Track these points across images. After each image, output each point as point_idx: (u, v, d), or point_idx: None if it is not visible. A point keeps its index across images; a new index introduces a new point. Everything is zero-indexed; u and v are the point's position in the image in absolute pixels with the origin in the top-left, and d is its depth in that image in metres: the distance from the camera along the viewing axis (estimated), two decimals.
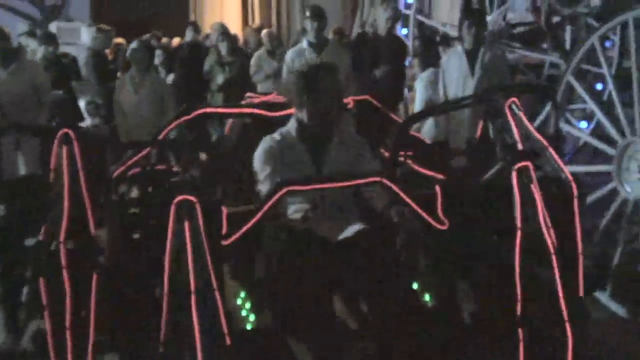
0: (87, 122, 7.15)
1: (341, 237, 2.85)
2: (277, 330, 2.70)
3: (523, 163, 2.63)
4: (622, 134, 4.50)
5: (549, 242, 2.57)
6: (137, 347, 2.70)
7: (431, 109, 4.82)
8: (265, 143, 3.08)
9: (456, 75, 5.26)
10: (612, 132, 4.58)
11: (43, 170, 5.31)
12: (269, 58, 8.00)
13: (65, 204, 2.62)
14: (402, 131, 3.42)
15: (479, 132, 3.55)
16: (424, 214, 2.68)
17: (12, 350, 3.24)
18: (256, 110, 3.53)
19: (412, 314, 2.71)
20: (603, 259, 4.18)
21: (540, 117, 5.11)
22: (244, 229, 2.54)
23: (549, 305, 2.58)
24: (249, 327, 2.74)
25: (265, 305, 2.78)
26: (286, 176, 2.82)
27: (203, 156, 3.80)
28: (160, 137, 3.39)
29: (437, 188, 2.81)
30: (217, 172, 3.45)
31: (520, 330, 2.58)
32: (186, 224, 2.38)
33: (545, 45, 6.94)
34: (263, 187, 2.92)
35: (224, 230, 2.54)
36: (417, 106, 5.92)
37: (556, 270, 2.55)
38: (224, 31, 8.00)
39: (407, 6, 9.18)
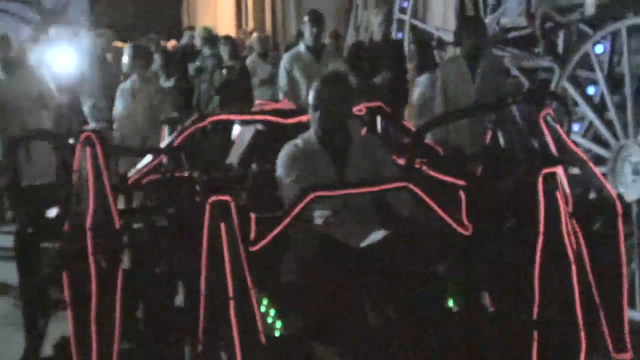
0: (91, 125, 7.28)
1: (365, 243, 2.84)
2: (306, 336, 2.68)
3: (550, 169, 2.62)
4: (616, 136, 4.69)
5: (569, 250, 2.57)
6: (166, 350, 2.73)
7: (448, 115, 4.87)
8: (288, 149, 3.12)
9: (456, 81, 5.37)
10: (606, 134, 4.76)
11: (57, 176, 5.46)
12: (261, 62, 8.12)
13: (91, 198, 2.60)
14: (418, 138, 3.46)
15: (487, 139, 3.64)
16: (449, 219, 2.70)
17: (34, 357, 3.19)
18: (269, 117, 3.57)
19: (437, 319, 2.72)
20: None
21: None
22: (272, 234, 2.53)
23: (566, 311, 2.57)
24: (277, 334, 2.70)
25: (292, 312, 2.75)
26: (309, 182, 2.84)
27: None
28: (175, 143, 3.38)
29: (461, 193, 2.80)
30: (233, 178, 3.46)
31: (535, 333, 2.58)
32: (222, 225, 2.38)
33: (537, 50, 7.12)
34: (288, 193, 2.92)
35: (252, 236, 2.52)
36: (415, 110, 6.07)
37: (575, 278, 2.56)
38: (207, 36, 8.05)
39: (402, 10, 9.32)
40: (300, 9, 11.84)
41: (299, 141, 3.15)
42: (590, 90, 5.92)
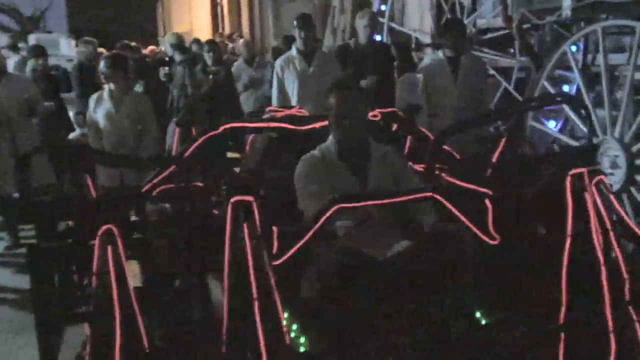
0: (77, 132, 7.32)
1: (389, 254, 2.77)
2: (331, 352, 2.60)
3: (578, 170, 2.57)
4: (594, 132, 4.92)
5: (598, 251, 2.51)
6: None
7: (467, 121, 4.73)
8: (306, 160, 3.05)
9: (439, 82, 5.44)
10: (584, 130, 4.99)
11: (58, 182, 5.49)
12: (247, 67, 8.09)
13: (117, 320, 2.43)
14: (437, 144, 3.39)
15: (501, 146, 3.52)
16: (475, 230, 2.62)
17: None
18: (284, 125, 3.48)
19: (463, 331, 2.66)
20: None
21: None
22: (295, 247, 2.47)
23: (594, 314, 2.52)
24: (302, 349, 2.59)
25: (314, 326, 2.66)
26: (329, 192, 2.76)
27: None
28: (187, 154, 3.29)
29: (488, 203, 2.73)
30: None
31: (562, 336, 2.54)
32: (245, 225, 2.36)
33: (512, 50, 7.36)
34: (308, 205, 2.85)
35: (274, 250, 2.45)
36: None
37: (604, 280, 2.49)
38: (176, 42, 7.93)
39: (380, 13, 9.52)
40: (277, 13, 11.99)
41: (317, 152, 3.10)
42: (565, 88, 6.19)
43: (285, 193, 3.05)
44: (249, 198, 2.40)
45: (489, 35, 7.47)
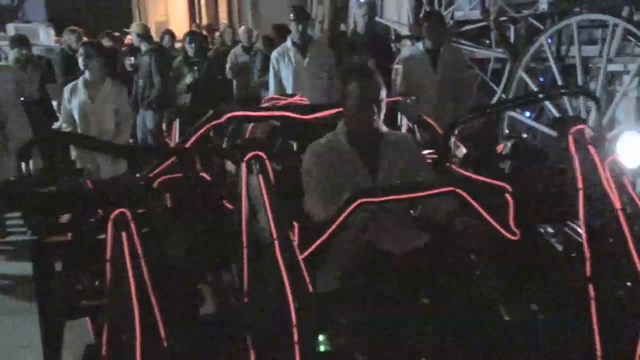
0: (60, 122, 7.33)
1: (407, 249, 2.70)
2: (351, 349, 2.55)
3: (579, 126, 2.55)
4: None
5: (615, 202, 2.48)
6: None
7: (477, 110, 4.67)
8: (313, 149, 2.96)
9: (419, 73, 5.54)
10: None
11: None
12: (244, 54, 8.17)
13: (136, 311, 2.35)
14: (448, 136, 3.35)
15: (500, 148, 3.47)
16: (496, 225, 2.57)
17: None
18: (288, 114, 3.41)
19: (486, 326, 2.60)
20: None
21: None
22: (317, 242, 2.43)
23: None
24: (322, 348, 2.52)
25: (334, 324, 2.58)
26: (340, 183, 2.74)
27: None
28: (188, 144, 3.23)
29: (508, 198, 2.66)
30: None
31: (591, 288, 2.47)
32: (260, 178, 2.38)
33: (489, 42, 7.58)
34: (315, 196, 2.82)
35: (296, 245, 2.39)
36: None
37: (626, 229, 2.44)
38: (143, 32, 7.87)
39: (359, 5, 9.70)
40: (255, 3, 12.04)
41: (324, 140, 2.99)
42: (540, 79, 6.43)
43: (287, 181, 2.97)
44: (262, 153, 2.43)
45: (466, 27, 7.67)
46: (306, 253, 2.39)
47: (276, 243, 2.25)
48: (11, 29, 10.35)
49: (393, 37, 8.79)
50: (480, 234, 2.63)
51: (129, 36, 10.73)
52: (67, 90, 5.57)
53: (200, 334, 2.70)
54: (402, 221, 2.85)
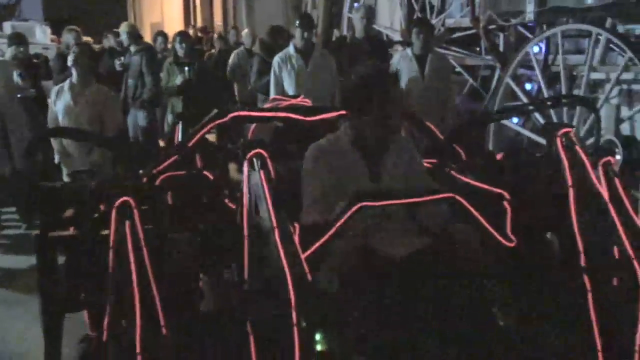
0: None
1: (406, 253, 2.72)
2: (349, 351, 2.57)
3: (566, 130, 2.69)
4: None
5: (605, 195, 2.58)
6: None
7: (479, 117, 4.94)
8: (313, 150, 2.97)
9: (407, 77, 5.70)
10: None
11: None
12: (248, 57, 8.10)
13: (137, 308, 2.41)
14: (450, 142, 3.42)
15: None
16: (493, 232, 2.63)
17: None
18: (292, 115, 3.43)
19: (486, 332, 2.64)
20: None
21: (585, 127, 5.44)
22: (317, 245, 2.48)
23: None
24: (319, 347, 2.50)
25: (330, 325, 2.59)
26: (340, 185, 2.77)
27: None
28: (191, 143, 3.27)
29: (506, 205, 2.75)
30: None
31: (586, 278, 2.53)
32: (261, 173, 2.48)
33: (479, 49, 7.75)
34: (311, 202, 2.84)
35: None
36: None
37: (618, 222, 2.52)
38: (132, 32, 7.91)
39: (353, 10, 9.83)
40: (251, 7, 12.16)
41: (324, 142, 3.02)
42: (527, 86, 6.61)
43: (288, 181, 3.00)
44: (263, 151, 2.56)
45: (457, 34, 7.82)
46: (307, 253, 2.42)
47: (276, 231, 2.31)
48: (8, 27, 10.43)
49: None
50: (476, 242, 2.67)
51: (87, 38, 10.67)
52: (54, 91, 5.46)
53: (199, 325, 2.77)
54: (403, 226, 2.85)
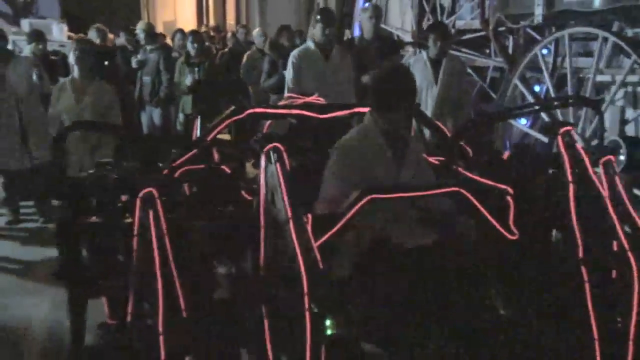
0: None
1: (415, 244, 2.84)
2: (357, 337, 2.68)
3: (567, 128, 2.79)
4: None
5: (602, 192, 2.68)
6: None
7: (486, 117, 4.97)
8: (342, 148, 3.06)
9: (421, 82, 5.59)
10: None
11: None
12: (260, 57, 8.06)
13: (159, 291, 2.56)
14: (456, 140, 3.52)
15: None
16: (497, 225, 2.74)
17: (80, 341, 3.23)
18: (306, 112, 3.53)
19: (485, 319, 2.76)
20: None
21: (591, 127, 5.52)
22: (327, 235, 2.57)
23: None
24: (328, 332, 2.60)
25: (341, 311, 2.70)
26: (364, 180, 2.85)
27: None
28: (210, 137, 3.37)
29: (509, 200, 2.85)
30: None
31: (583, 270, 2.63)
32: (278, 166, 2.57)
33: (488, 51, 7.84)
34: (331, 195, 2.92)
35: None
36: None
37: (614, 217, 2.62)
38: (149, 31, 7.97)
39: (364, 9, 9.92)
40: (264, 5, 12.26)
41: (355, 134, 3.13)
42: (536, 88, 6.70)
43: (303, 177, 3.07)
44: (279, 145, 2.64)
45: (467, 35, 7.90)
46: (318, 243, 2.51)
47: (291, 222, 2.43)
48: (25, 24, 10.60)
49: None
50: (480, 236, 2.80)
51: (111, 36, 10.82)
52: (56, 88, 5.39)
53: (215, 309, 2.90)
54: (413, 219, 2.96)
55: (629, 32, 5.76)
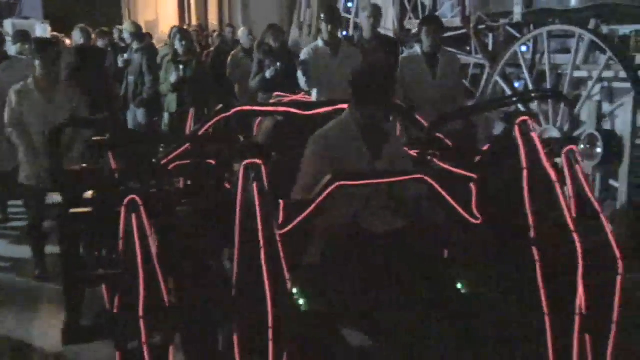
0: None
1: (384, 230, 3.00)
2: (327, 314, 2.81)
3: (523, 117, 2.94)
4: (538, 122, 5.61)
5: (553, 177, 2.82)
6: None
7: (460, 111, 5.08)
8: (317, 139, 3.16)
9: (417, 78, 5.54)
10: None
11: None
12: (245, 57, 8.08)
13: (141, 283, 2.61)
14: (431, 132, 3.66)
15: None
16: (460, 209, 2.88)
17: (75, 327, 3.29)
18: (290, 109, 3.69)
19: (447, 299, 2.93)
20: None
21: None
22: (298, 219, 2.68)
23: None
24: (302, 309, 2.77)
25: (315, 291, 2.83)
26: (342, 163, 2.97)
27: None
28: (200, 132, 3.50)
29: (472, 186, 3.01)
30: None
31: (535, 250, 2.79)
32: (254, 185, 2.55)
33: (468, 48, 8.00)
34: (305, 184, 3.02)
35: (280, 220, 2.65)
36: None
37: (562, 201, 2.77)
38: (135, 31, 7.99)
39: (347, 10, 10.05)
40: (246, 5, 12.28)
41: (332, 126, 3.23)
42: (516, 84, 6.87)
43: (289, 171, 3.19)
44: (259, 161, 2.62)
45: (448, 33, 8.02)
46: (287, 229, 2.65)
47: (262, 251, 2.47)
48: (8, 24, 10.55)
49: None
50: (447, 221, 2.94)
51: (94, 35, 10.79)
52: (14, 92, 5.01)
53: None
54: (384, 204, 3.11)
55: (605, 30, 5.94)
